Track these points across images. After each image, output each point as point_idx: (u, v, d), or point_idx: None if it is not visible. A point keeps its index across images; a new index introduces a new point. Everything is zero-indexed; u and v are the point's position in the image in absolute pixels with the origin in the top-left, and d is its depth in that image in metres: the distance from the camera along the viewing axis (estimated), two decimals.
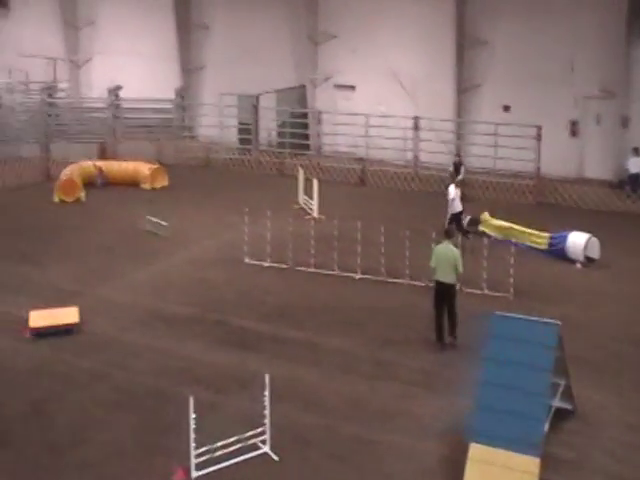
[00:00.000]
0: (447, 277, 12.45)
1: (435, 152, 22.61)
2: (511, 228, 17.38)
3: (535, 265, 16.12)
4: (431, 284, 13.19)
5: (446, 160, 22.10)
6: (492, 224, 17.77)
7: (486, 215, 18.04)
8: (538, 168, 21.48)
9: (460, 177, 20.98)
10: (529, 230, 17.23)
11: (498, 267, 14.61)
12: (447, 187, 18.16)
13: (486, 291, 14.52)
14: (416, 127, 23.09)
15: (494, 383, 9.46)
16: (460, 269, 12.50)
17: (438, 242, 12.98)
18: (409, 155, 23.49)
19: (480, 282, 14.50)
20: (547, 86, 22.58)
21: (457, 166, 21.08)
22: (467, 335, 12.38)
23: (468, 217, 18.05)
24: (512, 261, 14.28)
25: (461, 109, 23.85)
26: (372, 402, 11.01)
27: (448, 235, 12.85)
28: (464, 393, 10.05)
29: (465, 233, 16.85)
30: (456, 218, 17.42)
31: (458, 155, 21.67)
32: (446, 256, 12.46)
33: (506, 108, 23.35)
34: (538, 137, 21.32)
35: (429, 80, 24.08)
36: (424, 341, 12.79)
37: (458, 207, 17.59)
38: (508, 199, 20.96)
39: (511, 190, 21.27)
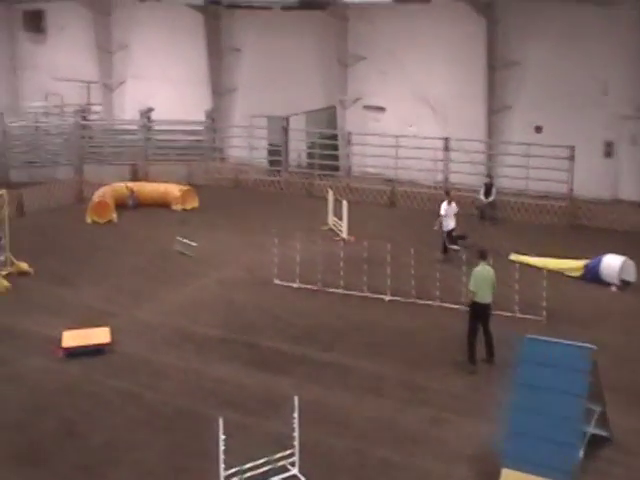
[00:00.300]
0: (486, 298, 12.53)
1: (466, 173, 22.52)
2: (544, 264, 16.01)
3: (569, 288, 15.90)
4: (463, 307, 13.06)
5: (477, 181, 21.97)
6: (524, 261, 16.43)
7: (516, 256, 16.87)
8: (571, 189, 21.24)
9: (491, 198, 20.87)
10: (563, 262, 16.71)
11: (530, 289, 14.44)
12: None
13: (518, 314, 14.35)
14: (446, 148, 23.04)
15: (526, 408, 9.33)
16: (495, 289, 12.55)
17: (474, 265, 12.87)
18: (439, 176, 23.42)
19: (512, 305, 14.34)
20: (580, 106, 22.37)
21: (488, 187, 20.97)
22: (499, 358, 12.24)
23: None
24: (544, 284, 14.11)
25: (492, 130, 23.69)
26: (402, 426, 10.92)
27: (483, 256, 12.83)
28: (496, 418, 9.91)
29: (448, 249, 17.33)
30: (448, 235, 17.59)
31: (489, 176, 21.54)
32: (486, 277, 12.53)
33: (538, 129, 23.14)
34: (571, 158, 21.11)
35: (459, 101, 24.01)
36: (455, 364, 12.68)
37: (450, 225, 17.68)
38: (540, 221, 20.68)
39: (543, 212, 20.98)
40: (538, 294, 14.21)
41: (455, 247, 17.44)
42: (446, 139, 23.08)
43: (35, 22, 30.82)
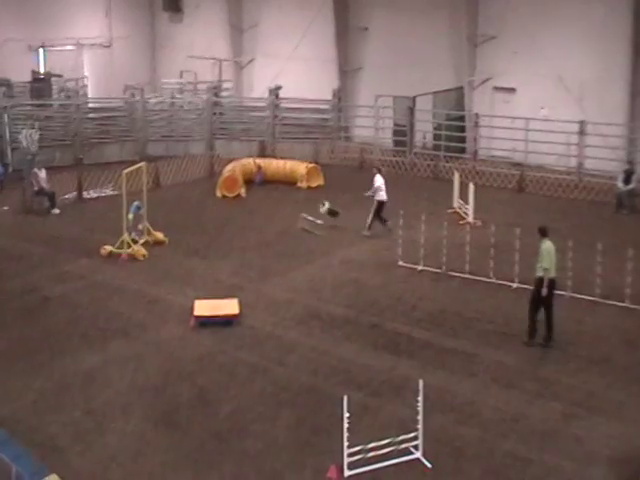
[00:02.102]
0: (555, 273, 12.71)
1: (602, 159, 21.50)
2: None
3: None
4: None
5: (614, 168, 20.95)
6: None
7: None
8: None
9: (631, 186, 19.85)
10: None
11: None
12: None
13: None
14: (582, 132, 22.06)
15: None
16: None
17: (541, 241, 12.76)
18: (572, 162, 22.49)
19: None
20: None
21: (628, 174, 19.95)
22: (637, 356, 11.71)
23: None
24: None
25: (635, 114, 22.46)
26: (531, 419, 10.66)
27: (545, 233, 12.88)
28: (638, 421, 9.48)
29: (384, 222, 18.10)
30: (380, 206, 18.10)
31: (629, 162, 20.46)
32: (554, 253, 12.66)
33: None
34: None
35: (599, 83, 22.92)
36: (588, 360, 12.25)
37: (383, 196, 18.16)
38: None
39: None
40: None
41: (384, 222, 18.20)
42: (581, 122, 22.11)
43: (173, 1, 31.92)
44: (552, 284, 12.60)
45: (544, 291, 12.53)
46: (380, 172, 18.66)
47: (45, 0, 29.29)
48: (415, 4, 25.95)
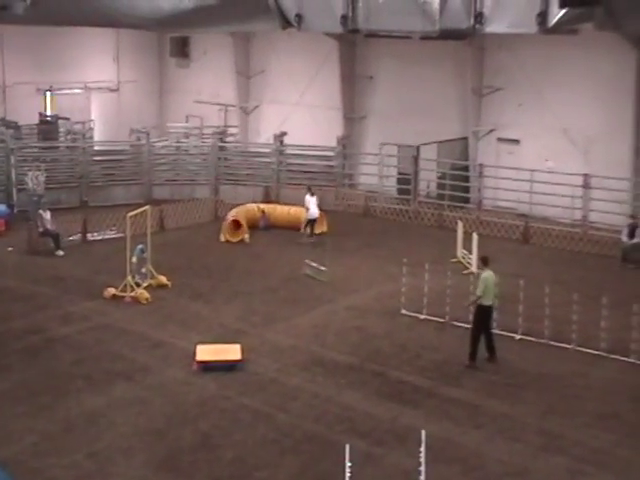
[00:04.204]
0: (491, 301, 13.86)
1: (607, 212, 21.59)
2: None
3: None
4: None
5: (619, 221, 21.00)
6: None
7: None
8: None
9: (636, 240, 19.89)
10: None
11: None
12: None
13: None
14: (586, 185, 22.22)
15: None
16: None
17: (482, 270, 13.93)
18: (577, 214, 22.58)
19: None
20: None
21: (632, 228, 20.00)
22: None
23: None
24: None
25: (639, 168, 22.62)
26: (535, 474, 10.51)
27: (486, 262, 14.02)
28: None
29: (312, 235, 21.23)
30: (311, 223, 21.23)
31: (633, 217, 20.53)
32: (492, 282, 13.72)
33: None
34: None
35: (603, 137, 23.13)
36: (595, 415, 12.11)
37: (314, 214, 21.34)
38: None
39: None
40: None
41: (309, 235, 21.28)
42: (586, 175, 22.29)
43: (181, 47, 32.50)
44: (489, 311, 13.86)
45: (466, 305, 14.21)
46: (311, 192, 21.53)
47: (55, 44, 29.75)
48: (421, 55, 26.39)
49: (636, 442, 11.23)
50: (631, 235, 20.02)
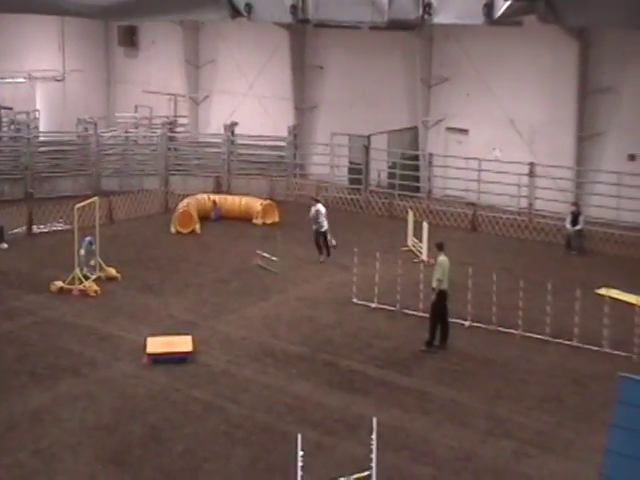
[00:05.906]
0: (447, 285, 13.95)
1: (551, 200, 22.05)
2: (637, 300, 14.43)
3: None
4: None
5: (563, 209, 21.50)
6: (614, 297, 15.69)
7: (606, 290, 16.25)
8: None
9: (578, 227, 20.34)
10: None
11: (620, 325, 14.03)
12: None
13: (606, 349, 13.94)
14: (531, 174, 22.65)
15: (624, 454, 8.86)
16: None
17: (438, 255, 14.08)
18: (523, 202, 23.02)
19: (600, 339, 13.96)
20: None
21: (575, 216, 20.47)
22: (587, 396, 11.89)
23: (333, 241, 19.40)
24: (636, 320, 13.68)
25: (581, 157, 23.15)
26: (484, 458, 10.73)
27: (441, 247, 14.22)
28: (586, 459, 9.61)
29: (329, 248, 19.35)
30: (323, 235, 19.25)
31: (576, 204, 21.02)
32: (447, 266, 13.88)
33: (632, 157, 22.49)
34: None
35: (548, 127, 23.59)
36: (538, 398, 12.40)
37: (324, 226, 19.29)
38: (631, 254, 19.75)
39: (636, 244, 20.06)
40: (629, 330, 13.76)
41: (334, 243, 19.41)
42: (531, 164, 22.72)
43: (129, 36, 31.95)
44: (444, 295, 13.89)
45: (433, 297, 13.92)
46: (317, 201, 19.92)
47: None
48: (370, 45, 26.45)
49: (576, 424, 11.55)
50: (574, 222, 20.47)
